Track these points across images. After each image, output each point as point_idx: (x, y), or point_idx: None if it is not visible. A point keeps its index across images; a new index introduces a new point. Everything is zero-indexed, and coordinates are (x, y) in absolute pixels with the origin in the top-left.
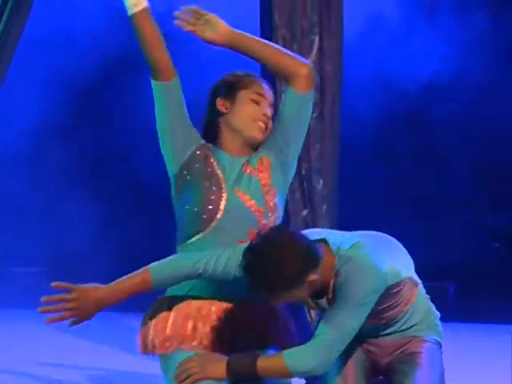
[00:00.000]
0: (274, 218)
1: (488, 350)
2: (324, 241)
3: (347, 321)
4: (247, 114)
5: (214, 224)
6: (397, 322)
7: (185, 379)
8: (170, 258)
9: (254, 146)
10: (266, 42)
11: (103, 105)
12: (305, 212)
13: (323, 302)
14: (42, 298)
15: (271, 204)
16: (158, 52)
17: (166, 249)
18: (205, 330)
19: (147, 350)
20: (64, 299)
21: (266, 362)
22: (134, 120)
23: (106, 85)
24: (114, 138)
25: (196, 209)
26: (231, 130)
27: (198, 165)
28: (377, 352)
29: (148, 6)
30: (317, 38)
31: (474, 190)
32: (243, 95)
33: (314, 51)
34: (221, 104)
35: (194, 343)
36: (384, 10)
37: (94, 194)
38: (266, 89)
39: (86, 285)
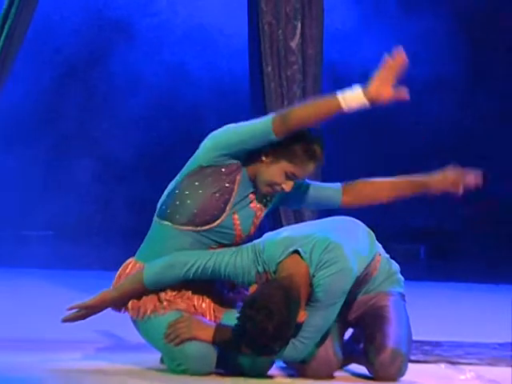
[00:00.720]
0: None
1: (454, 305)
2: (296, 252)
3: (323, 320)
4: (272, 179)
5: (200, 229)
6: (364, 286)
7: (174, 339)
8: (162, 263)
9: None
10: None
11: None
12: None
13: None
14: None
15: (253, 230)
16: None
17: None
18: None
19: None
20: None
21: None
22: None
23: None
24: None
25: (195, 210)
26: (255, 173)
27: (224, 177)
28: (344, 310)
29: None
30: (299, 24)
31: (443, 162)
32: (284, 165)
33: (297, 36)
34: (265, 155)
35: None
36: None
37: (100, 157)
38: (304, 175)
39: (96, 298)
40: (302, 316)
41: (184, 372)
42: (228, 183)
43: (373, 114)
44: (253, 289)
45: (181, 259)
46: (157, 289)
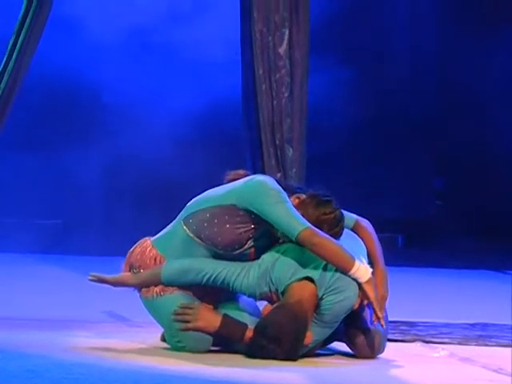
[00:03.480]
0: None
1: (429, 289)
2: (310, 279)
3: (319, 336)
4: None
5: (218, 251)
6: None
7: (180, 322)
8: (179, 267)
9: None
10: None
11: None
12: (278, 175)
13: None
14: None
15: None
16: None
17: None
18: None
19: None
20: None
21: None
22: None
23: None
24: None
25: (219, 239)
26: None
27: (251, 220)
28: None
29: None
30: (287, 31)
31: (421, 155)
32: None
33: (285, 42)
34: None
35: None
36: None
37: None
38: None
39: (117, 278)
40: (308, 338)
41: (183, 349)
42: (253, 225)
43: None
44: (265, 311)
45: (196, 266)
46: (171, 285)
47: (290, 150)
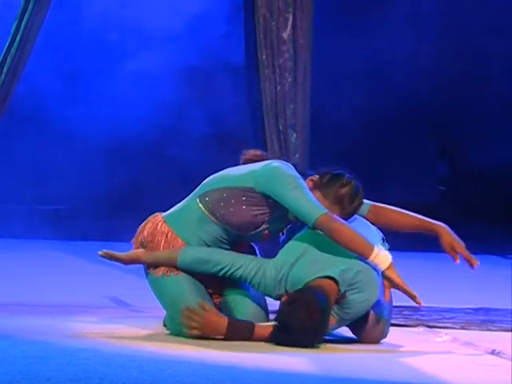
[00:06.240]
0: None
1: (432, 273)
2: (332, 279)
3: (342, 324)
4: None
5: (232, 230)
6: None
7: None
8: (198, 255)
9: None
10: None
11: None
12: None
13: None
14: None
15: (280, 235)
16: None
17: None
18: None
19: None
20: (113, 258)
21: (262, 329)
22: None
23: None
24: None
25: (234, 219)
26: None
27: (267, 204)
28: None
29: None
30: (291, 17)
31: (426, 141)
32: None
33: (289, 27)
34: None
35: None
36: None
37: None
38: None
39: (130, 255)
40: (332, 320)
41: (182, 332)
42: (269, 209)
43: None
44: (285, 298)
45: (214, 258)
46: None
47: (294, 135)
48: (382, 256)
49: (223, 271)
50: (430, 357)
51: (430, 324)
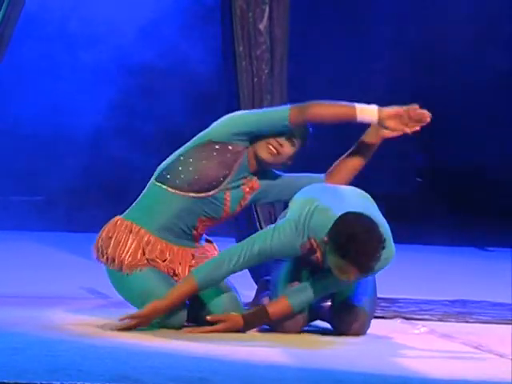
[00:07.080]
0: None
1: (409, 265)
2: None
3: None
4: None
5: (195, 196)
6: None
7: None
8: (210, 265)
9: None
10: None
11: None
12: None
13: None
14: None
15: (238, 210)
16: None
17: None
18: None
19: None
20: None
21: (274, 307)
22: None
23: None
24: None
25: (196, 176)
26: (255, 152)
27: (228, 154)
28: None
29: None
30: (267, 8)
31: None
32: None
33: (265, 19)
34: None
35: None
36: None
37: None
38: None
39: (149, 308)
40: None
41: (157, 325)
42: (230, 161)
43: None
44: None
45: (225, 258)
46: (209, 287)
47: None
48: (368, 110)
49: (241, 260)
50: (407, 348)
51: (408, 316)
